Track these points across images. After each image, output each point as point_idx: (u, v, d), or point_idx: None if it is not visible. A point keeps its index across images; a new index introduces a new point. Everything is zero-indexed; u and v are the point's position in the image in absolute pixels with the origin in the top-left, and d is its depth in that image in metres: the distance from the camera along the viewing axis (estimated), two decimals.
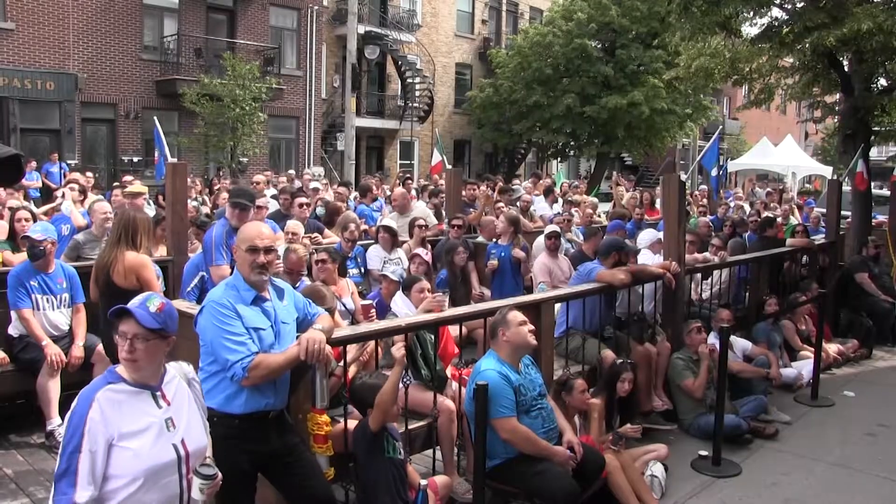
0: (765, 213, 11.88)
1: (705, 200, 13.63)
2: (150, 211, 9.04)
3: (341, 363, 4.17)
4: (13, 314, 5.28)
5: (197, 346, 3.63)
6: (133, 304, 2.62)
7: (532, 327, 4.22)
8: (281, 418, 3.41)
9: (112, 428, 2.48)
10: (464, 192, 10.52)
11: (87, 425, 2.44)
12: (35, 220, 6.58)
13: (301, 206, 7.80)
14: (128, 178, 12.03)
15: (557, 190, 14.55)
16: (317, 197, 10.50)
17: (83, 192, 8.33)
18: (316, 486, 3.47)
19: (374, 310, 5.25)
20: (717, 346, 5.70)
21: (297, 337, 3.40)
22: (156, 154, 7.71)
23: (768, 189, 18.53)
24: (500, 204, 10.54)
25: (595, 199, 12.88)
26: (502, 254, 7.49)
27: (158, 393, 2.63)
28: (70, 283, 5.48)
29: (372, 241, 7.77)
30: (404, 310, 5.16)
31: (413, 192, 11.55)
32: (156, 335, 2.58)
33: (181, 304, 4.38)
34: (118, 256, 4.89)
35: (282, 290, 3.51)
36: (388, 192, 12.05)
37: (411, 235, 7.88)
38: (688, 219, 8.98)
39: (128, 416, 2.53)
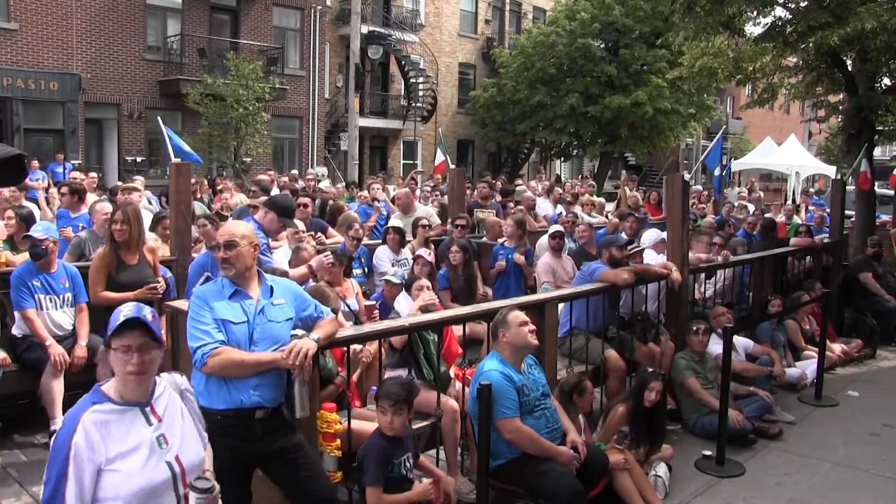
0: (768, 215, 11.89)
1: (711, 203, 13.63)
2: (155, 209, 9.03)
3: (343, 372, 4.18)
4: (17, 314, 5.29)
5: None
6: (131, 312, 2.45)
7: (533, 327, 4.21)
8: (273, 419, 3.36)
9: (99, 453, 2.32)
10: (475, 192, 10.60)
11: (72, 450, 2.28)
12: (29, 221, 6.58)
13: (301, 206, 7.76)
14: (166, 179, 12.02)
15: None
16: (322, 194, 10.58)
17: (78, 191, 8.28)
18: (319, 486, 3.46)
19: (377, 310, 5.25)
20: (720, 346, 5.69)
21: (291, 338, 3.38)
22: (171, 152, 7.61)
23: (739, 189, 18.56)
24: (511, 204, 10.59)
25: (601, 200, 12.88)
26: (509, 256, 7.46)
27: (148, 409, 2.47)
28: (73, 282, 5.48)
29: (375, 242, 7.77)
30: (407, 309, 5.16)
31: (417, 192, 11.58)
32: (157, 344, 2.46)
33: (185, 305, 4.39)
34: None
35: (270, 288, 3.47)
36: (393, 192, 12.09)
37: (415, 235, 7.88)
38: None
39: (116, 438, 2.37)
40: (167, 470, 2.43)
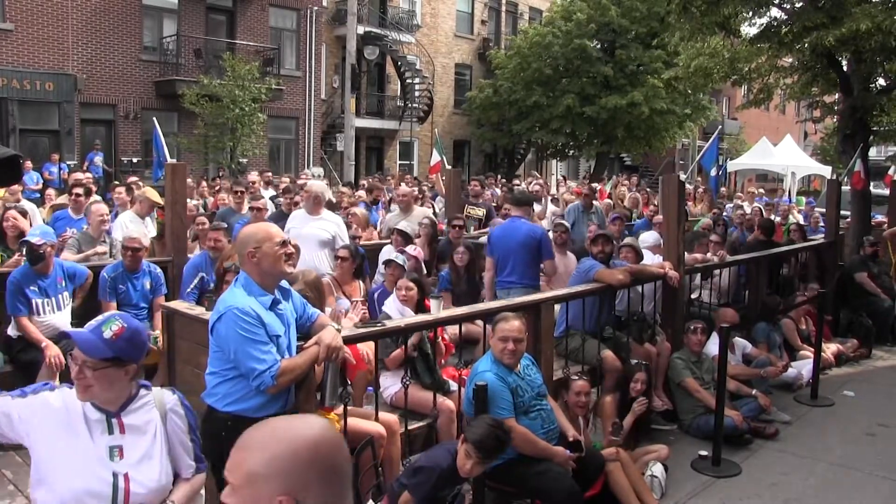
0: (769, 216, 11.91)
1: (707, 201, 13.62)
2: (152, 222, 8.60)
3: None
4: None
5: (196, 348, 3.62)
6: (85, 327, 2.37)
7: (512, 347, 4.11)
8: None
9: (48, 424, 2.32)
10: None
11: (37, 397, 2.36)
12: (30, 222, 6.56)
13: (297, 205, 7.74)
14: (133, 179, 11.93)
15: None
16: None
17: (89, 192, 8.23)
18: None
19: (366, 307, 5.25)
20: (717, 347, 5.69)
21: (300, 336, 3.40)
22: (154, 155, 7.67)
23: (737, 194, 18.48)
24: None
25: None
26: None
27: (115, 420, 2.39)
28: (67, 279, 5.47)
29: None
30: (395, 310, 5.10)
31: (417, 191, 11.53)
32: (108, 363, 2.30)
33: (180, 306, 4.39)
34: None
35: (287, 291, 3.47)
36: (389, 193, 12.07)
37: (418, 235, 7.85)
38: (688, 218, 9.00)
39: (66, 426, 2.34)
40: (109, 480, 2.33)
